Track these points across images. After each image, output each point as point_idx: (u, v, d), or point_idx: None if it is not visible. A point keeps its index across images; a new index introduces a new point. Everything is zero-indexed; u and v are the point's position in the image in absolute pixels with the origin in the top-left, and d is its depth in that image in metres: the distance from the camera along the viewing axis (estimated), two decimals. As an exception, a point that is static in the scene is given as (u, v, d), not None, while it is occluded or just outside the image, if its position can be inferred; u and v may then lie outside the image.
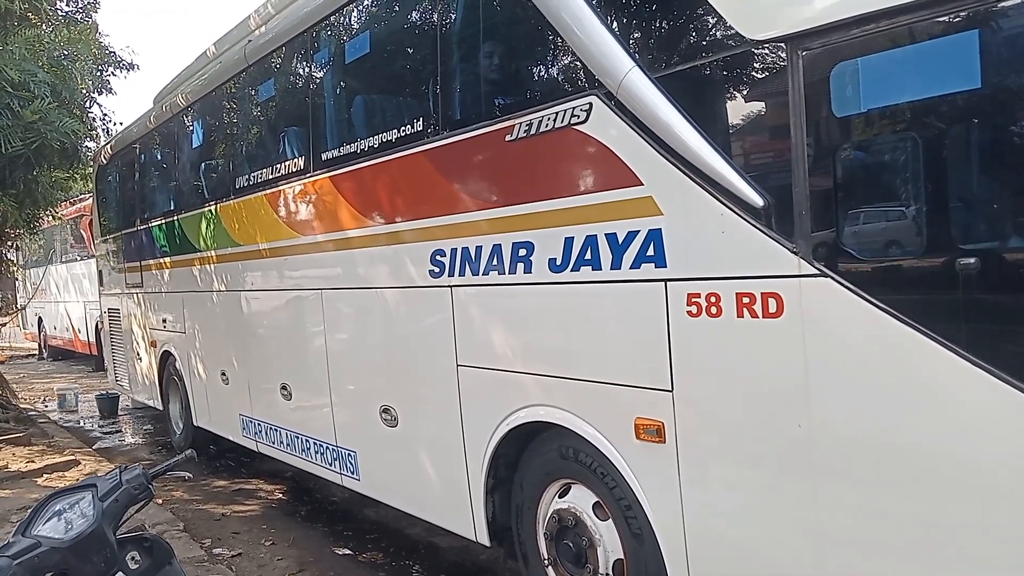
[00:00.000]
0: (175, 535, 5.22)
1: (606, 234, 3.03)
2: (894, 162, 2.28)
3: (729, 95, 2.67)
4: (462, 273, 3.77)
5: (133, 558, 2.21)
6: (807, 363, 2.43)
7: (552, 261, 3.28)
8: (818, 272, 2.36)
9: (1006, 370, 2.01)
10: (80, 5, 10.92)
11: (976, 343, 2.06)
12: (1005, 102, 2.03)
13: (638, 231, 2.90)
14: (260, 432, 6.18)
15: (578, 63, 3.11)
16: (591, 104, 3.00)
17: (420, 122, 3.98)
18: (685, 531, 2.91)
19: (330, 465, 5.22)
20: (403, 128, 4.08)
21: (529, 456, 3.72)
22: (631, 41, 2.93)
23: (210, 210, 6.44)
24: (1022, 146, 2.04)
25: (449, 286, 3.87)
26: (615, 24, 2.97)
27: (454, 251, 3.80)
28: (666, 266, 2.82)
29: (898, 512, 2.29)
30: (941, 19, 2.07)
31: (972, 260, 2.06)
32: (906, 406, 2.23)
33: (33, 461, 7.38)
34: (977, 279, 2.08)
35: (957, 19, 2.04)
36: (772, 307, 2.50)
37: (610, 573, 3.34)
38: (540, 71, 3.45)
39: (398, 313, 4.37)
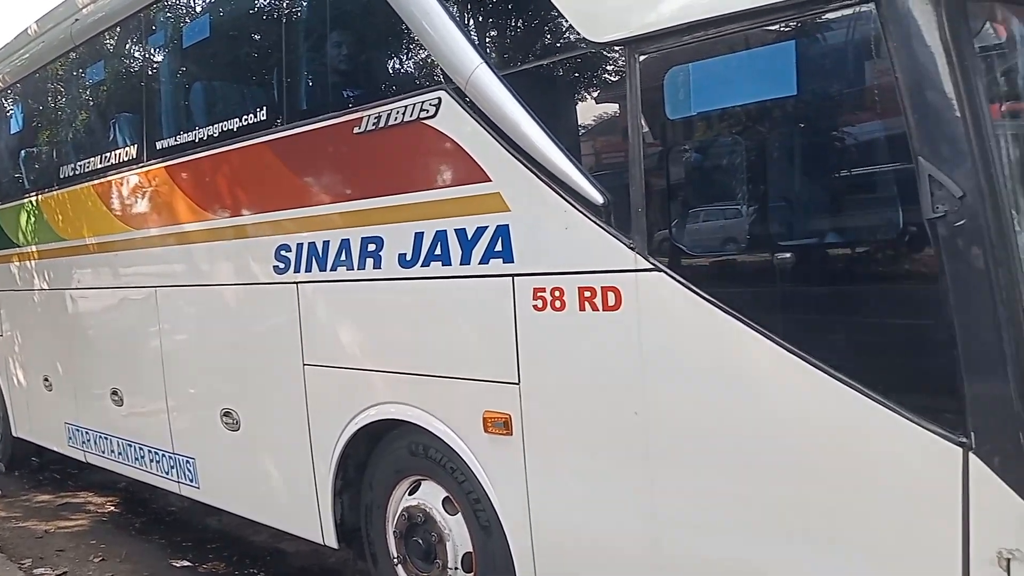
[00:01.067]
0: (-12, 556, 4.76)
1: (456, 229, 3.03)
2: (721, 164, 2.43)
3: (573, 95, 2.75)
4: (308, 269, 3.66)
5: None
6: (643, 353, 2.54)
7: (402, 256, 3.25)
8: (653, 267, 2.47)
9: (819, 357, 2.18)
10: None
11: (792, 333, 2.23)
12: (818, 109, 2.21)
13: (487, 227, 2.93)
14: (88, 441, 5.74)
15: (428, 58, 3.10)
16: (440, 99, 2.99)
17: (264, 111, 3.83)
18: (531, 521, 2.97)
19: (166, 473, 4.92)
20: (245, 117, 3.91)
21: (379, 455, 3.67)
22: (480, 38, 2.96)
23: (31, 202, 5.91)
24: (833, 150, 2.22)
25: (295, 282, 3.75)
26: (464, 20, 2.98)
27: (300, 246, 3.69)
28: (513, 261, 2.86)
29: (725, 493, 2.43)
30: (762, 29, 2.22)
31: (789, 255, 2.23)
32: (731, 393, 2.37)
33: None
34: (793, 273, 2.25)
35: (776, 30, 2.20)
36: (611, 300, 2.59)
37: (459, 567, 3.34)
38: (389, 64, 3.42)
39: (240, 311, 4.18)
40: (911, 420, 2.04)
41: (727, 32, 2.26)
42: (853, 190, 2.23)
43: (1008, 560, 1.95)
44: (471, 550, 3.31)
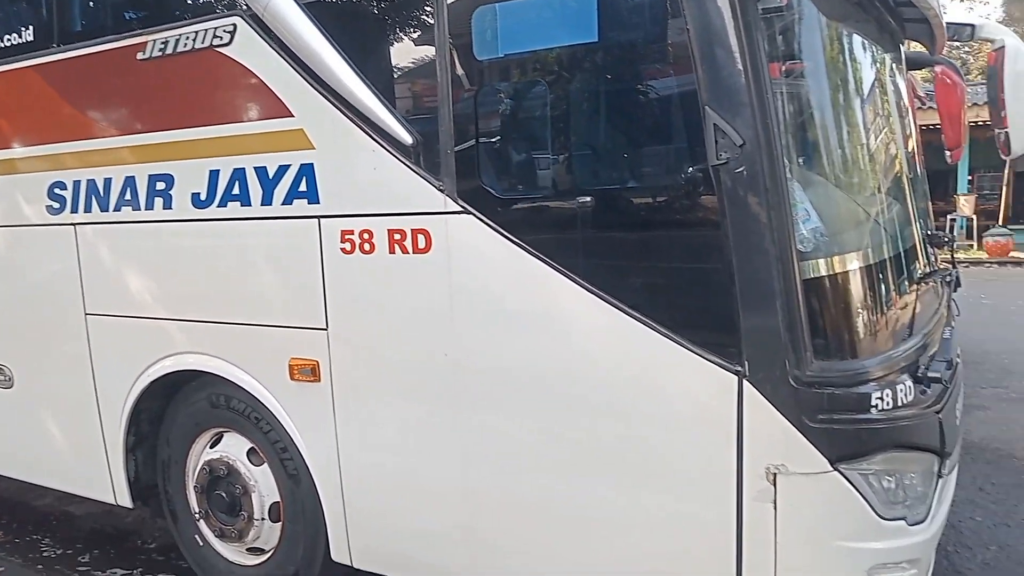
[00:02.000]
0: None
1: (255, 167, 2.86)
2: (528, 107, 2.46)
3: (381, 29, 2.66)
4: (88, 209, 3.32)
5: None
6: (452, 296, 2.55)
7: (196, 196, 3.02)
8: (462, 209, 2.47)
9: (616, 297, 2.30)
10: None
11: (592, 274, 2.33)
12: (617, 57, 2.28)
13: (289, 165, 2.78)
14: None
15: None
16: (235, 25, 2.78)
17: (30, 31, 3.38)
18: (340, 468, 2.93)
19: (-74, 439, 4.36)
20: (7, 37, 3.43)
21: (176, 408, 3.46)
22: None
23: None
24: (630, 98, 2.32)
25: (73, 224, 3.39)
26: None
27: (77, 184, 3.33)
28: (319, 202, 2.75)
29: (531, 430, 2.53)
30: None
31: (589, 199, 2.31)
32: (536, 333, 2.45)
33: None
34: (593, 217, 2.34)
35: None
36: (421, 243, 2.57)
37: (266, 517, 3.26)
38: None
39: (10, 257, 3.74)
40: (695, 352, 2.22)
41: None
42: (649, 138, 2.34)
43: (775, 475, 2.19)
44: (279, 500, 3.23)
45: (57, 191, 3.41)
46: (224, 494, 3.33)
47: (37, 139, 3.44)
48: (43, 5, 3.39)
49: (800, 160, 2.21)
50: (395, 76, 2.63)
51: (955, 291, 3.31)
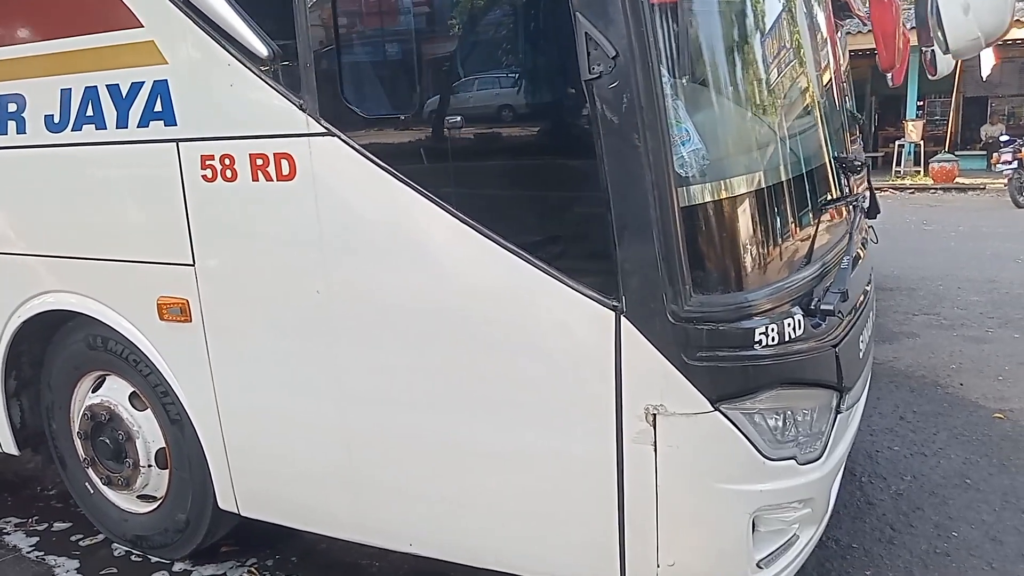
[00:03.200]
0: None
1: (108, 86, 2.58)
2: (388, 15, 2.21)
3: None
4: (-65, 134, 3.01)
5: None
6: (321, 226, 2.34)
7: (49, 119, 2.74)
8: (325, 131, 2.24)
9: (489, 227, 2.11)
10: None
11: (463, 202, 2.13)
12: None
13: (143, 83, 2.51)
14: None
15: None
16: (75, -78, 2.46)
17: None
18: (219, 411, 2.76)
19: None
20: None
21: (54, 351, 3.24)
22: None
23: None
24: (499, 4, 2.07)
25: None
26: None
27: (-79, 106, 3.01)
28: (176, 124, 2.50)
29: (406, 366, 2.36)
30: None
31: (458, 119, 2.09)
32: (407, 265, 2.26)
33: None
34: (462, 140, 2.12)
35: None
36: (285, 169, 2.34)
37: (153, 464, 3.09)
38: None
39: None
40: (570, 286, 2.05)
41: None
42: (520, 51, 2.12)
43: (654, 416, 2.05)
44: (164, 445, 3.06)
45: (-98, 115, 3.08)
46: (108, 440, 3.15)
47: None
48: None
49: (683, 77, 2.00)
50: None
51: (872, 218, 3.17)
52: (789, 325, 2.05)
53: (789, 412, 2.16)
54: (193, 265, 2.61)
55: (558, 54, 2.01)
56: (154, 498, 3.19)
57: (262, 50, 2.27)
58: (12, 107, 2.81)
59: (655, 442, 2.06)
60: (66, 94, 2.67)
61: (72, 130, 2.70)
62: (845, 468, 2.72)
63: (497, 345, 2.20)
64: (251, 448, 2.77)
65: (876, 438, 4.05)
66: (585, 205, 2.05)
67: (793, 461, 2.19)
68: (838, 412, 2.37)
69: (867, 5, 3.19)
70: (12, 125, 2.84)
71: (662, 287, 1.94)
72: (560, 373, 2.15)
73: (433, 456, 2.41)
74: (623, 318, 2.00)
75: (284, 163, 2.34)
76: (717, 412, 2.02)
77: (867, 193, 3.10)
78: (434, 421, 2.38)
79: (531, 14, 2.07)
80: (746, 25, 2.20)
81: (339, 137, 2.24)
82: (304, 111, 2.26)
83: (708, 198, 2.00)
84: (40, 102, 2.75)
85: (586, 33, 1.84)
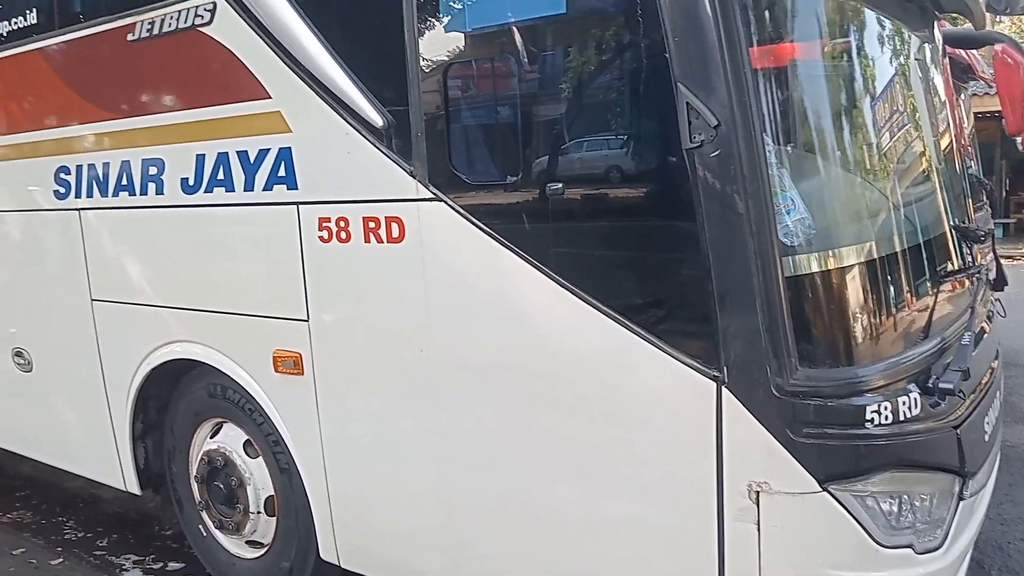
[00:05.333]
0: None
1: (238, 152, 2.78)
2: (494, 86, 2.28)
3: (351, 5, 2.52)
4: (90, 194, 3.31)
5: None
6: (427, 288, 2.41)
7: (184, 181, 2.96)
8: (433, 196, 2.33)
9: (588, 291, 2.11)
10: None
11: (563, 266, 2.15)
12: (587, 30, 2.07)
13: (269, 149, 2.69)
14: None
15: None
16: (215, 3, 2.69)
17: (35, 13, 3.38)
18: (325, 462, 2.84)
19: (-39, 418, 4.49)
20: (15, 20, 3.44)
21: (178, 397, 3.44)
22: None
23: None
24: (602, 75, 2.11)
25: (77, 209, 3.39)
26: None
27: (80, 168, 3.32)
28: (297, 188, 2.65)
29: (502, 429, 2.37)
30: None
31: (560, 186, 2.12)
32: (508, 328, 2.29)
33: None
34: (565, 205, 2.15)
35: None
36: (395, 232, 2.44)
37: (262, 511, 3.20)
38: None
39: (24, 242, 3.78)
40: (669, 354, 2.01)
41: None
42: (621, 119, 2.14)
43: (758, 493, 1.97)
44: (273, 493, 3.17)
45: (63, 176, 3.41)
46: (222, 485, 3.29)
47: (44, 124, 3.45)
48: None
49: (788, 144, 1.96)
50: (365, 53, 2.47)
51: (999, 289, 2.97)
52: (904, 404, 1.94)
53: (905, 496, 2.03)
54: (307, 321, 2.73)
55: (660, 120, 2.01)
56: (261, 544, 3.29)
57: (377, 120, 2.39)
58: (153, 170, 3.06)
59: (759, 521, 1.97)
60: (200, 159, 2.89)
61: (204, 192, 2.90)
62: (971, 560, 2.51)
63: (593, 411, 2.18)
64: (354, 502, 2.83)
65: (1008, 528, 3.72)
66: (685, 272, 2.02)
67: (910, 550, 2.04)
68: (961, 498, 2.20)
69: (992, 68, 3.05)
70: (152, 186, 3.08)
71: (766, 359, 1.88)
72: (658, 443, 2.10)
73: (527, 522, 2.39)
74: (724, 389, 1.95)
75: (394, 226, 2.43)
76: (825, 493, 1.92)
77: (993, 263, 2.92)
78: (528, 485, 2.36)
79: (632, 82, 2.09)
80: (854, 89, 2.16)
81: (446, 202, 2.32)
82: (414, 177, 2.35)
83: (815, 268, 1.94)
84: (177, 166, 2.97)
85: (687, 103, 1.85)
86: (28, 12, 3.40)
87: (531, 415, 2.29)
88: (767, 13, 2.01)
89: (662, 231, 2.08)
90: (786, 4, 2.11)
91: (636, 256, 2.12)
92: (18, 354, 3.93)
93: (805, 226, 1.89)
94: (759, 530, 1.97)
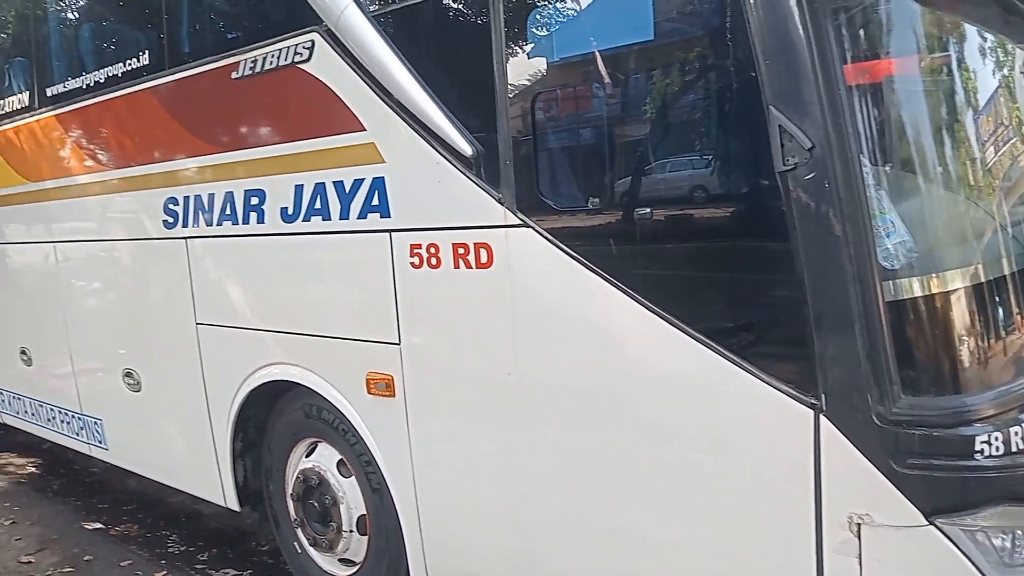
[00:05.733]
0: None
1: (334, 182, 2.89)
2: (584, 113, 2.31)
3: (441, 37, 2.59)
4: (196, 223, 3.50)
5: None
6: (514, 312, 2.44)
7: (284, 210, 3.10)
8: (521, 223, 2.36)
9: (677, 316, 2.10)
10: None
11: (652, 291, 2.14)
12: (675, 55, 2.08)
13: (363, 179, 2.79)
14: (3, 402, 5.58)
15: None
16: (313, 41, 2.82)
17: (147, 55, 3.61)
18: (415, 483, 2.89)
19: (76, 435, 4.79)
20: (130, 61, 3.69)
21: (276, 417, 3.57)
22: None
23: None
24: (690, 99, 2.11)
25: (184, 238, 3.58)
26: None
27: (187, 199, 3.52)
28: (390, 216, 2.73)
29: (589, 454, 2.36)
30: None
31: (648, 211, 2.12)
32: (596, 353, 2.29)
33: None
34: (652, 229, 2.14)
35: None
36: (484, 258, 2.48)
37: (354, 530, 3.28)
38: (265, 2, 3.21)
39: (135, 268, 4.02)
40: (763, 380, 1.97)
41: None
42: (712, 143, 2.13)
43: (859, 525, 1.90)
44: (365, 513, 3.24)
45: (171, 206, 3.61)
46: (316, 504, 3.38)
47: (154, 158, 3.66)
48: (156, 28, 3.62)
49: (886, 165, 1.91)
50: (455, 84, 2.54)
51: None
52: (1017, 434, 1.84)
53: (1019, 532, 1.92)
54: (399, 344, 2.80)
55: (751, 142, 1.99)
56: (353, 563, 3.37)
57: (466, 149, 2.45)
58: (255, 200, 3.21)
59: (860, 554, 1.90)
60: (299, 189, 3.01)
61: (302, 221, 3.03)
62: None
63: (684, 438, 2.16)
64: (443, 523, 2.87)
65: None
66: (779, 297, 1.99)
67: (1026, 588, 1.93)
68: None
69: None
70: (254, 215, 3.23)
71: (867, 386, 1.82)
72: (751, 472, 2.05)
73: (616, 549, 2.37)
74: (822, 417, 1.89)
75: (483, 252, 2.48)
76: (932, 527, 1.83)
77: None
78: (618, 512, 2.35)
79: (721, 105, 2.08)
80: (955, 104, 2.08)
81: (533, 228, 2.35)
82: (502, 204, 2.40)
83: (917, 292, 1.87)
84: (277, 196, 3.11)
85: (779, 125, 1.83)
86: (141, 54, 3.63)
87: (619, 440, 2.28)
88: (862, 31, 1.97)
89: (754, 255, 2.05)
90: (881, 20, 2.07)
91: (727, 280, 2.09)
92: (128, 375, 4.16)
93: (906, 249, 1.83)
94: (860, 564, 1.90)
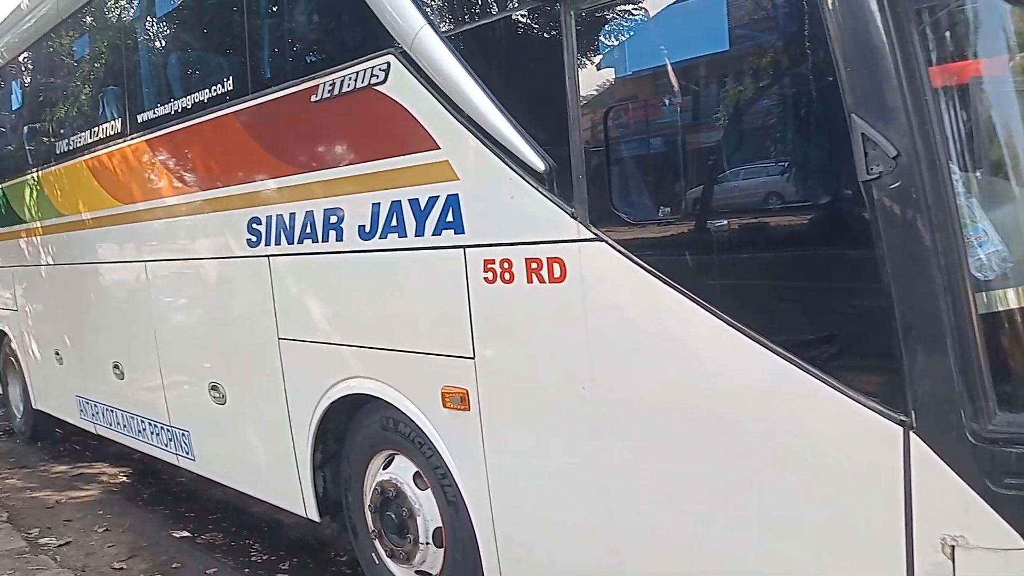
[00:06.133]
0: (-5, 527, 4.88)
1: (409, 200, 2.94)
2: (657, 126, 2.30)
3: (513, 56, 2.63)
4: (278, 242, 3.62)
5: None
6: (588, 326, 2.44)
7: (361, 228, 3.17)
8: (595, 236, 2.36)
9: (757, 329, 2.05)
10: None
11: (731, 305, 2.10)
12: (751, 66, 2.05)
13: (438, 196, 2.83)
14: (97, 414, 5.85)
15: (378, 20, 2.98)
16: (389, 64, 2.89)
17: (231, 81, 3.76)
18: (491, 497, 2.91)
19: (166, 446, 4.99)
20: (215, 87, 3.85)
21: (355, 429, 3.64)
22: (423, -2, 2.83)
23: (33, 177, 5.97)
24: (767, 110, 2.07)
25: (267, 256, 3.70)
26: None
27: (269, 218, 3.64)
28: (464, 232, 2.77)
29: (669, 469, 2.34)
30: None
31: (725, 223, 2.09)
32: (673, 368, 2.27)
33: None
34: (730, 242, 2.11)
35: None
36: (557, 272, 2.49)
37: (430, 542, 3.31)
38: (343, 28, 3.31)
39: (220, 285, 4.18)
40: (849, 396, 1.91)
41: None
42: (788, 153, 2.08)
43: (952, 547, 1.82)
44: (441, 525, 3.27)
45: (255, 226, 3.74)
46: (394, 515, 3.43)
47: (238, 179, 3.81)
48: (239, 56, 3.76)
49: (977, 172, 1.83)
50: (527, 100, 2.56)
51: None
52: None
53: None
54: (473, 358, 2.83)
55: (831, 151, 1.95)
56: (430, 575, 3.40)
57: (539, 165, 2.47)
58: (334, 218, 3.30)
59: (954, 577, 1.82)
60: (376, 207, 3.09)
61: (379, 238, 3.10)
62: None
63: (766, 455, 2.11)
64: (519, 538, 2.87)
65: None
66: (865, 309, 1.93)
67: None
68: None
69: None
70: (333, 233, 3.32)
71: (960, 402, 1.75)
72: (838, 490, 1.99)
73: (696, 566, 2.33)
74: (912, 434, 1.83)
75: (556, 266, 2.48)
76: (1031, 549, 1.74)
77: None
78: (699, 527, 2.31)
79: (800, 114, 2.04)
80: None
81: (607, 241, 2.34)
82: (575, 218, 2.40)
83: (1013, 303, 1.79)
84: (355, 214, 3.19)
85: (862, 134, 1.78)
86: (225, 80, 3.79)
87: (698, 456, 2.24)
88: (947, 32, 1.90)
89: (837, 265, 1.99)
90: (968, 20, 1.99)
91: (808, 291, 2.04)
92: (214, 388, 4.31)
93: (1000, 259, 1.75)
94: (955, 588, 1.82)
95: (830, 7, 1.81)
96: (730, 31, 1.98)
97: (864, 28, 1.78)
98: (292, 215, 3.50)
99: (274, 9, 3.62)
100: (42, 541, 4.80)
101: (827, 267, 2.02)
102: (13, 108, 6.45)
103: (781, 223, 2.11)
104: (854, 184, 1.83)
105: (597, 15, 2.28)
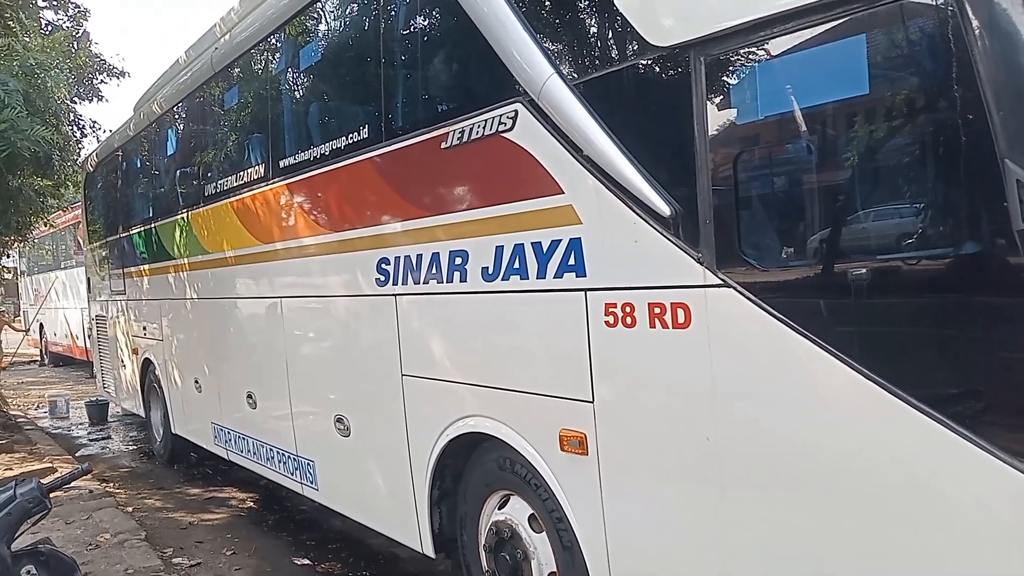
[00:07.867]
0: (135, 544, 5.20)
1: (532, 243, 2.99)
2: (791, 171, 2.24)
3: (640, 103, 2.64)
4: (405, 282, 3.75)
5: (29, 572, 2.20)
6: (713, 375, 2.39)
7: (484, 270, 3.25)
8: (722, 282, 2.32)
9: (896, 383, 1.95)
10: (68, 14, 10.91)
11: (868, 356, 2.01)
12: (893, 109, 1.98)
13: (560, 240, 2.87)
14: (229, 440, 6.17)
15: (507, 70, 3.08)
16: (516, 112, 2.97)
17: (366, 129, 3.96)
18: (607, 543, 2.87)
19: (292, 474, 5.20)
20: (351, 135, 4.06)
21: (472, 467, 3.69)
22: (551, 47, 2.90)
23: (183, 217, 6.46)
24: (909, 154, 1.99)
25: (393, 295, 3.84)
26: (536, 30, 2.94)
27: (397, 259, 3.78)
28: (586, 275, 2.79)
29: (795, 527, 2.24)
30: (830, 24, 2.02)
31: (864, 271, 2.01)
32: (804, 421, 2.18)
33: (10, 468, 7.39)
34: (869, 290, 2.03)
35: (845, 24, 1.99)
36: (681, 317, 2.46)
37: (545, 586, 3.29)
38: (472, 78, 3.43)
39: (349, 322, 4.36)
40: (999, 458, 1.78)
41: (793, 28, 2.08)
42: (933, 198, 1.98)
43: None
44: (555, 570, 3.25)
45: (383, 266, 3.90)
46: (508, 557, 3.44)
47: (370, 222, 3.99)
48: (373, 106, 3.96)
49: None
50: (653, 147, 2.56)
51: None
52: None
53: None
54: (592, 402, 2.82)
55: (980, 198, 1.85)
56: (544, 618, 3.37)
57: (665, 209, 2.46)
58: (458, 260, 3.39)
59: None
60: (499, 250, 3.15)
61: (502, 280, 3.16)
62: None
63: (907, 518, 1.99)
64: (635, 583, 2.81)
65: None
66: (1015, 362, 1.80)
67: None
68: None
69: None
70: (457, 275, 3.41)
71: None
72: (991, 562, 1.85)
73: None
74: (1070, 502, 1.68)
75: (680, 312, 2.46)
76: None
77: None
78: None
79: (944, 160, 1.93)
80: None
81: (735, 288, 2.30)
82: (701, 264, 2.37)
83: None
84: (479, 256, 3.27)
85: (1017, 180, 1.68)
86: (361, 128, 4.00)
87: (831, 518, 2.14)
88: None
89: (988, 316, 1.87)
90: None
91: (955, 348, 1.93)
92: (339, 420, 4.47)
93: None
94: None
95: (980, 48, 1.74)
96: (871, 73, 1.93)
97: (1019, 70, 1.70)
98: (419, 256, 3.62)
99: (407, 61, 3.80)
100: (175, 561, 5.08)
101: (975, 318, 1.90)
102: (168, 154, 7.02)
103: (925, 271, 2.01)
104: (1007, 231, 1.72)
105: (727, 60, 2.27)
